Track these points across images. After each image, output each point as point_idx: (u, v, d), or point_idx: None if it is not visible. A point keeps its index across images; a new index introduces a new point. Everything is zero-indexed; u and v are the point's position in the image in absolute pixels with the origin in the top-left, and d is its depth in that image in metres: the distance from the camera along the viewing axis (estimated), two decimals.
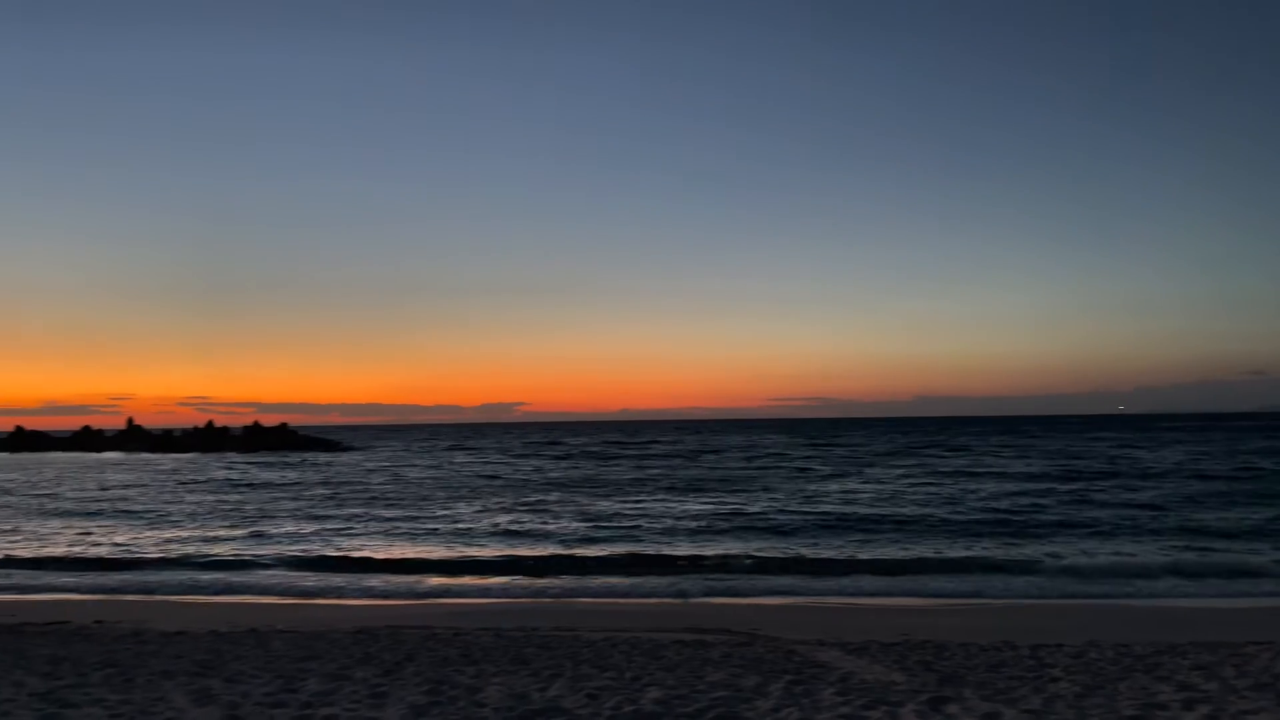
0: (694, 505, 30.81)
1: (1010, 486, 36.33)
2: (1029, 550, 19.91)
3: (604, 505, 31.47)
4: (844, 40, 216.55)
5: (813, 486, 37.99)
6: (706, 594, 16.10)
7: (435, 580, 17.80)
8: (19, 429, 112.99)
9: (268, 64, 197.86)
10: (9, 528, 27.64)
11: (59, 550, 22.62)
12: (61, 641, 11.07)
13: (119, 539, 24.63)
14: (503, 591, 16.70)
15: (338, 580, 17.91)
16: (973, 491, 34.35)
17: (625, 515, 27.95)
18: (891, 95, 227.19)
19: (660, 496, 34.64)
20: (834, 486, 37.91)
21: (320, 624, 12.88)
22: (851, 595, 15.82)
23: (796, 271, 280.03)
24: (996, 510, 27.86)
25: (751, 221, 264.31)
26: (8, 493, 42.23)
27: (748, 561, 18.87)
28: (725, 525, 25.00)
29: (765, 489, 37.25)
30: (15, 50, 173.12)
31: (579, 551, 20.93)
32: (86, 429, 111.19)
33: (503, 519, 27.68)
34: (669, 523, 25.89)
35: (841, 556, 19.53)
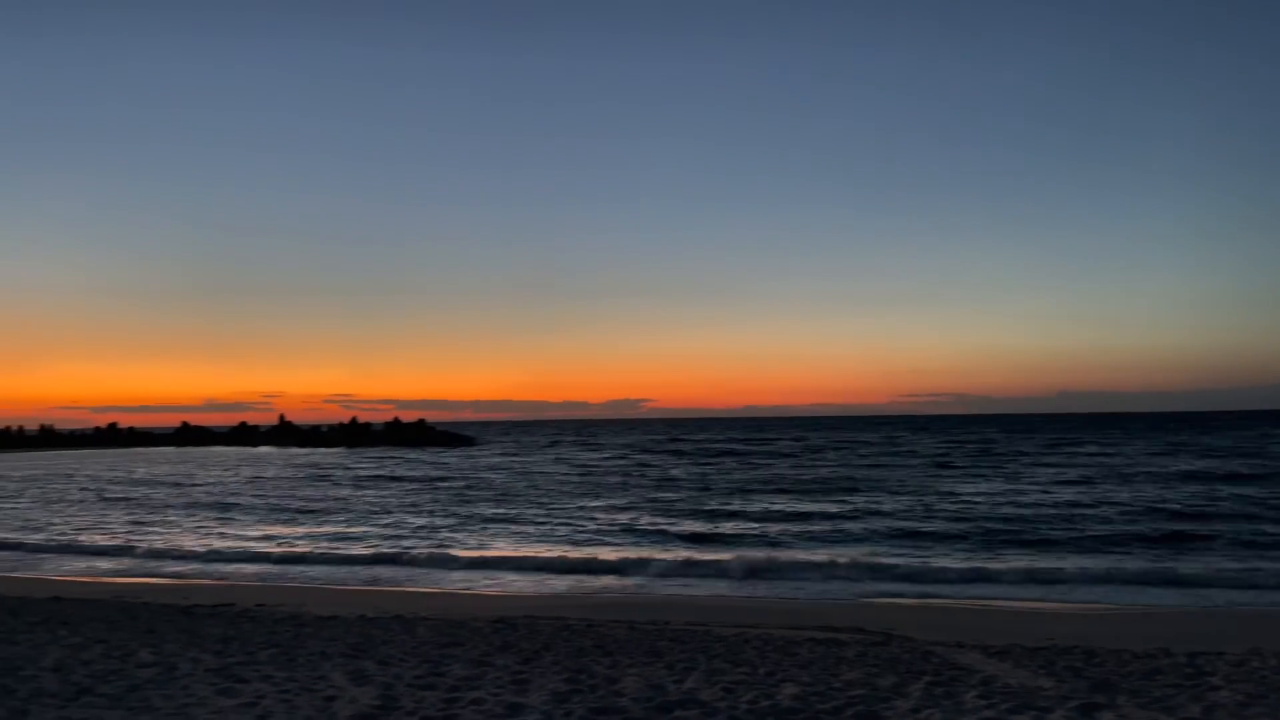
0: (822, 505, 30.40)
1: (1167, 490, 34.30)
2: (1189, 557, 18.79)
3: (727, 503, 31.42)
4: (975, 24, 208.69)
5: (946, 486, 36.86)
6: (836, 593, 15.89)
7: (565, 573, 18.19)
8: (185, 424, 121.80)
9: (424, 62, 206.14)
10: (162, 518, 29.80)
11: (224, 543, 24.21)
12: (229, 622, 11.88)
13: (273, 530, 26.19)
14: (629, 587, 16.92)
15: (475, 572, 18.55)
16: (1126, 492, 32.62)
17: (749, 514, 27.82)
18: (1023, 72, 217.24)
19: (786, 496, 34.30)
20: (970, 487, 36.68)
21: (460, 613, 13.37)
22: (990, 598, 15.30)
23: (924, 263, 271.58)
24: (1154, 511, 26.38)
25: (875, 213, 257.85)
26: (167, 484, 45.51)
27: (879, 562, 18.50)
28: (855, 527, 24.56)
29: (897, 488, 36.39)
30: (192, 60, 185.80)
31: (701, 555, 20.98)
32: (243, 425, 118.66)
33: (626, 516, 28.02)
34: (795, 524, 25.64)
35: (979, 559, 18.91)
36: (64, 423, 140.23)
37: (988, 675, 8.37)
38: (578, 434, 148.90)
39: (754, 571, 17.85)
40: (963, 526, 23.97)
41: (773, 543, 21.79)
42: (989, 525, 24.08)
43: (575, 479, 45.38)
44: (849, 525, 24.73)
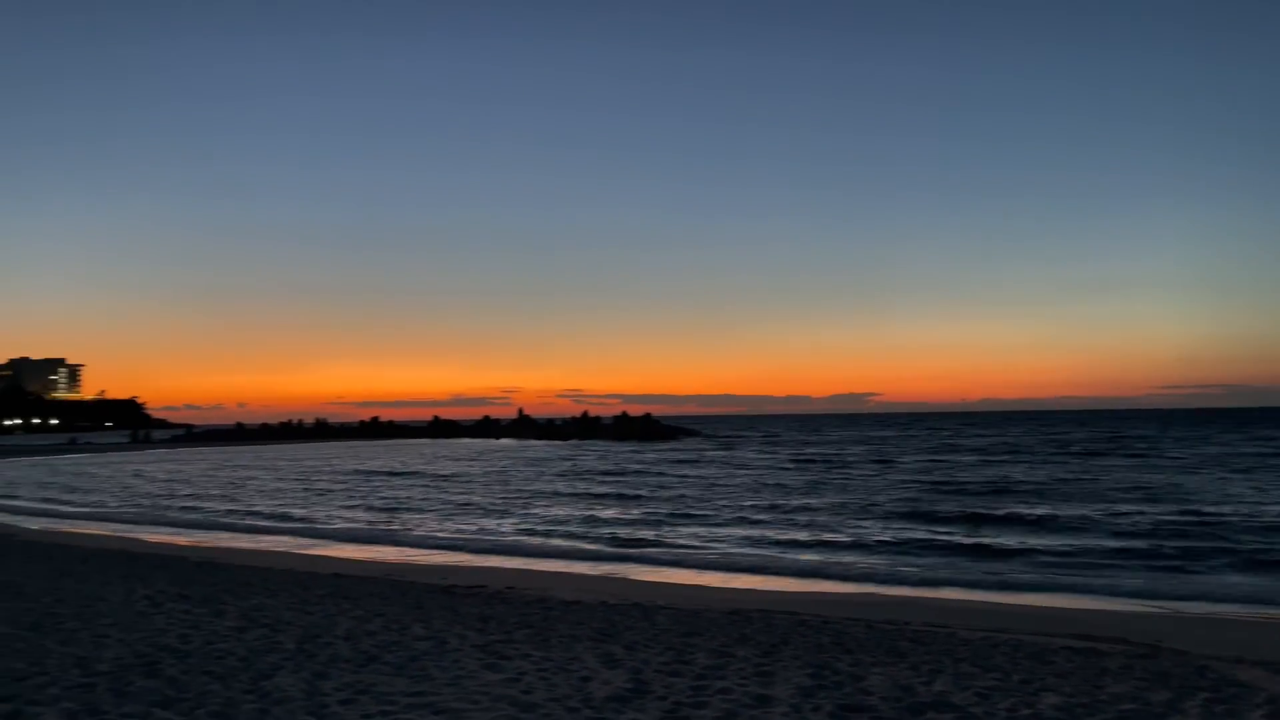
0: (1084, 511, 28.37)
1: None
2: None
3: (980, 501, 29.99)
4: None
5: (1235, 490, 33.32)
6: (1087, 601, 14.81)
7: (796, 574, 18.02)
8: (436, 418, 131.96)
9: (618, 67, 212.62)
10: (417, 503, 32.25)
11: (471, 528, 25.93)
12: (485, 602, 12.77)
13: (513, 518, 27.78)
14: (865, 581, 16.56)
15: (709, 572, 18.82)
16: None
17: (1013, 518, 26.37)
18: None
19: (1051, 499, 32.28)
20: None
21: (696, 603, 13.64)
22: (1270, 613, 13.72)
23: (1178, 244, 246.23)
24: None
25: (1116, 195, 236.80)
26: (423, 474, 49.25)
27: (1158, 566, 17.06)
28: (1140, 536, 22.73)
29: (1182, 486, 33.33)
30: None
31: (930, 569, 20.14)
32: (486, 418, 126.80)
33: (859, 515, 27.39)
34: (1065, 535, 24.08)
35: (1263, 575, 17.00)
36: (334, 417, 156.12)
37: (1273, 694, 7.55)
38: (802, 429, 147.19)
39: (990, 575, 16.98)
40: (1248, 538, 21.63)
41: (1021, 555, 20.62)
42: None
43: (808, 475, 44.96)
44: (1132, 531, 22.93)
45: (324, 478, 47.69)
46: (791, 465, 52.56)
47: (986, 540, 20.92)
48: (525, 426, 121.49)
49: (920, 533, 22.45)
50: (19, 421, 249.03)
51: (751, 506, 29.10)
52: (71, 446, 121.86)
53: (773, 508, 28.82)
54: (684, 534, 22.98)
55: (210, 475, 51.71)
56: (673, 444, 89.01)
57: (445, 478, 45.76)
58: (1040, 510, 26.51)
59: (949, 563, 18.26)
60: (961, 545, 20.29)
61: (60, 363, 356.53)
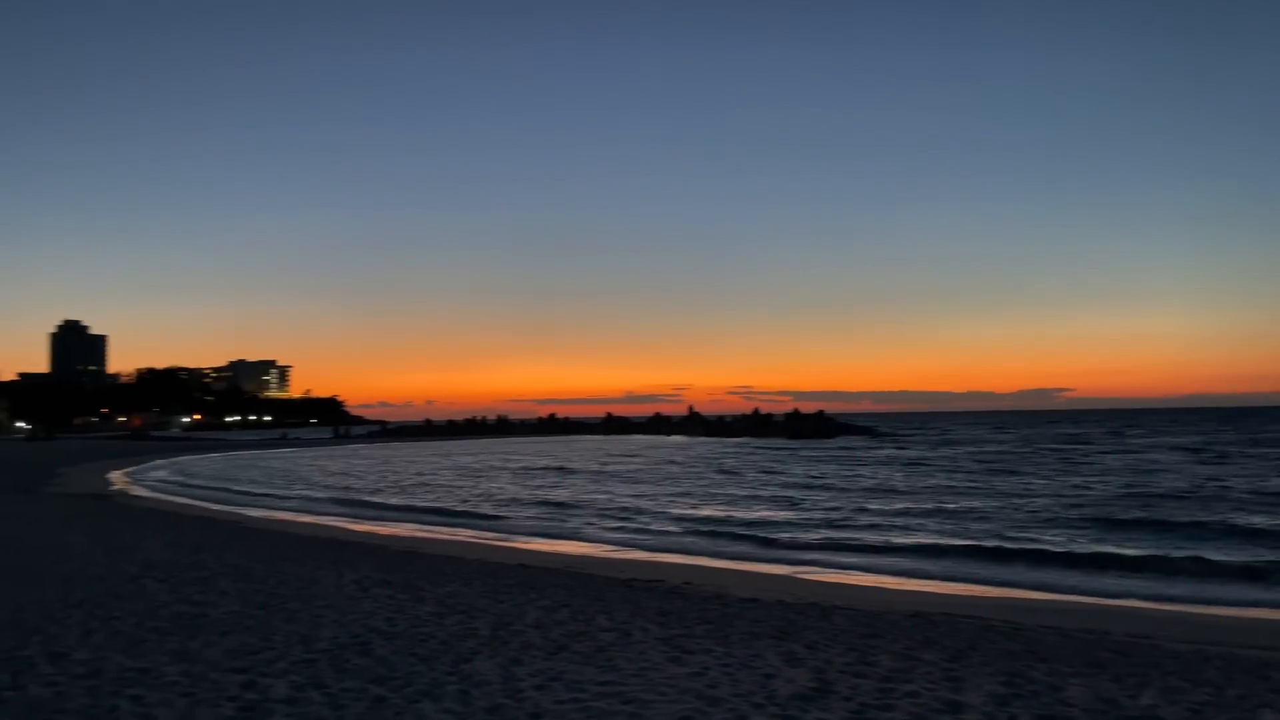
0: None
1: None
2: None
3: (1181, 509, 27.87)
4: None
5: None
6: None
7: (977, 575, 17.32)
8: (609, 415, 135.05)
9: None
10: (591, 496, 33.06)
11: (644, 522, 26.38)
12: (663, 597, 13.02)
13: (690, 512, 28.06)
14: (1054, 591, 15.72)
15: (885, 565, 18.41)
16: None
17: (1225, 528, 24.30)
18: None
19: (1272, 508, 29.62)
20: None
21: (874, 604, 13.38)
22: None
23: None
24: None
25: None
26: (602, 472, 50.42)
27: None
28: None
29: None
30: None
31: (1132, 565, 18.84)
32: (658, 415, 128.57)
33: (1044, 519, 25.99)
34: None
35: None
36: (514, 414, 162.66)
37: None
38: (988, 425, 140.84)
39: (1194, 591, 15.73)
40: None
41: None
42: None
43: (981, 477, 43.10)
44: None
45: (504, 472, 49.78)
46: (975, 465, 50.45)
47: (1186, 551, 19.38)
48: (695, 424, 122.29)
49: (1113, 541, 21.08)
50: (238, 418, 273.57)
51: (927, 509, 28.18)
52: (282, 441, 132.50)
53: (948, 510, 27.79)
54: (858, 534, 22.55)
55: (403, 468, 55.05)
56: (846, 442, 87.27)
57: (618, 474, 46.77)
58: (1258, 519, 24.29)
59: (1145, 574, 17.07)
60: (1165, 559, 18.88)
61: (272, 364, 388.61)
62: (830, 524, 24.66)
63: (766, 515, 26.94)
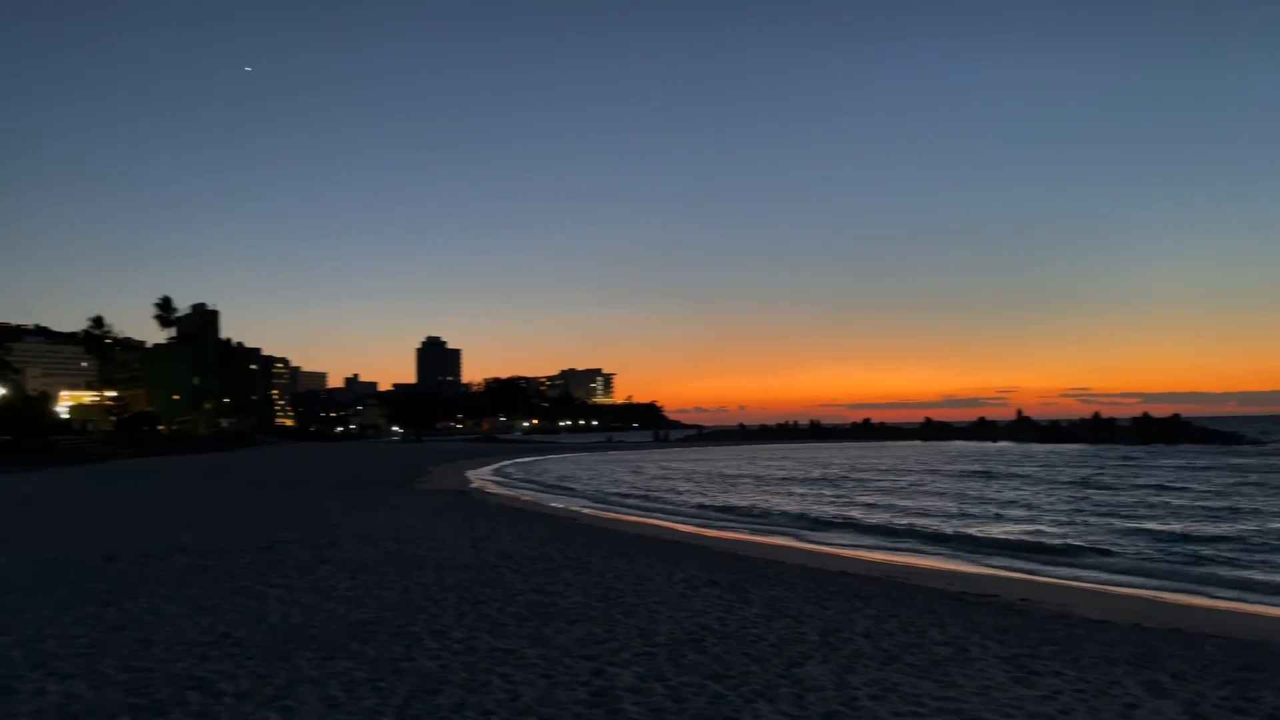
0: None
1: None
2: None
3: None
4: None
5: None
6: None
7: None
8: (927, 420, 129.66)
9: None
10: (919, 505, 31.76)
11: (978, 532, 25.06)
12: (999, 613, 12.29)
13: (1027, 524, 26.21)
14: None
15: (1268, 585, 16.06)
16: None
17: None
18: None
19: None
20: None
21: (1253, 634, 11.74)
22: None
23: None
24: None
25: None
26: (936, 475, 48.51)
27: None
28: None
29: None
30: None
31: None
32: (981, 420, 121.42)
33: None
34: None
35: None
36: (826, 419, 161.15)
37: None
38: None
39: None
40: None
41: None
42: None
43: None
44: None
45: (816, 475, 49.43)
46: None
47: None
48: (1025, 428, 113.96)
49: None
50: (568, 423, 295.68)
51: None
52: (608, 444, 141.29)
53: None
54: (1232, 554, 19.84)
55: (722, 471, 56.53)
56: (1207, 449, 77.04)
57: (942, 480, 44.74)
58: None
59: None
60: None
61: (597, 372, 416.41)
62: (1195, 538, 21.92)
63: (1126, 526, 24.50)
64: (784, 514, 30.28)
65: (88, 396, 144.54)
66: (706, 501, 35.44)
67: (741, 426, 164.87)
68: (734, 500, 35.85)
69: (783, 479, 48.88)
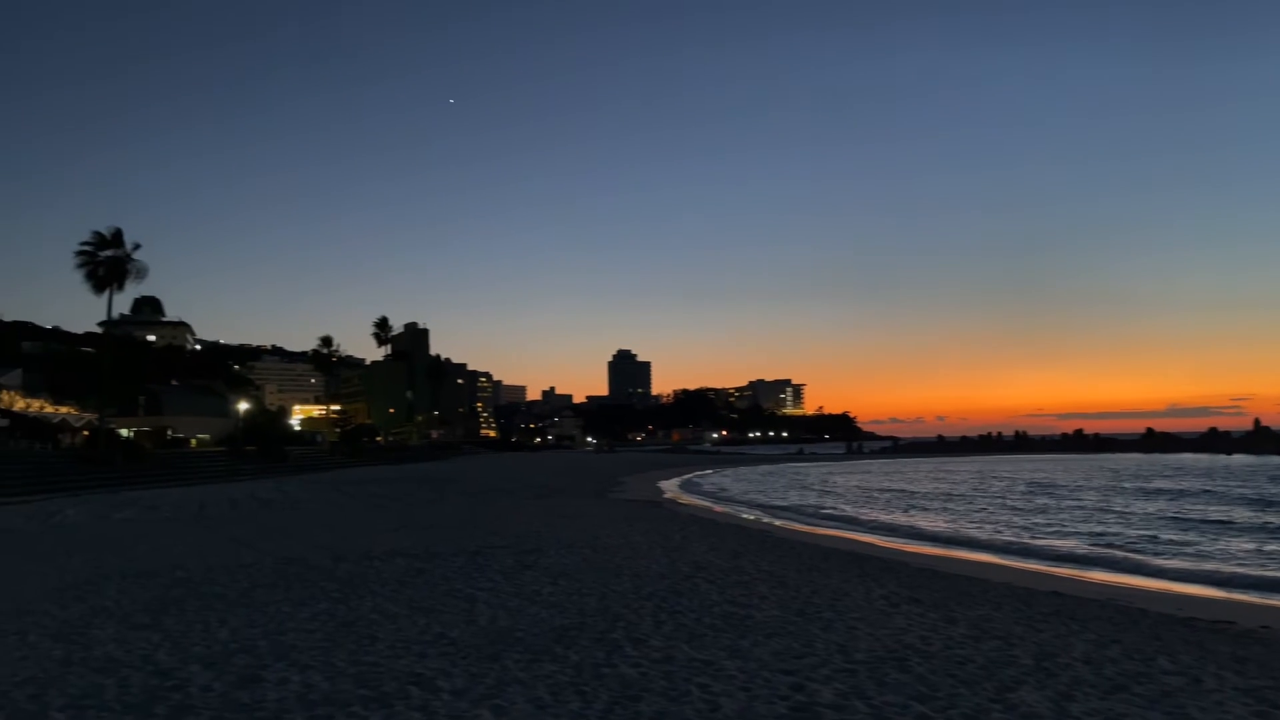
0: None
1: None
2: None
3: None
4: None
5: None
6: None
7: None
8: (1149, 431, 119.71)
9: None
10: (1140, 530, 29.30)
11: (1211, 560, 22.94)
12: (1235, 640, 11.19)
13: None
14: None
15: None
16: None
17: None
18: None
19: None
20: None
21: None
22: None
23: None
24: None
25: None
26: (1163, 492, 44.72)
27: None
28: None
29: None
30: None
31: None
32: (1213, 431, 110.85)
33: None
34: None
35: None
36: (1033, 429, 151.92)
37: None
38: None
39: None
40: None
41: None
42: None
43: None
44: None
45: (1023, 491, 46.66)
46: None
47: None
48: (1264, 439, 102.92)
49: None
50: (757, 434, 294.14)
51: None
52: (799, 456, 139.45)
53: None
54: None
55: (920, 484, 54.51)
56: None
57: (1177, 496, 41.17)
58: None
59: None
60: None
61: (786, 383, 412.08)
62: None
63: None
64: (987, 528, 28.80)
65: (316, 410, 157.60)
66: (901, 518, 34.29)
67: (940, 438, 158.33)
68: (930, 515, 34.50)
69: (982, 491, 46.47)
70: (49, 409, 72.93)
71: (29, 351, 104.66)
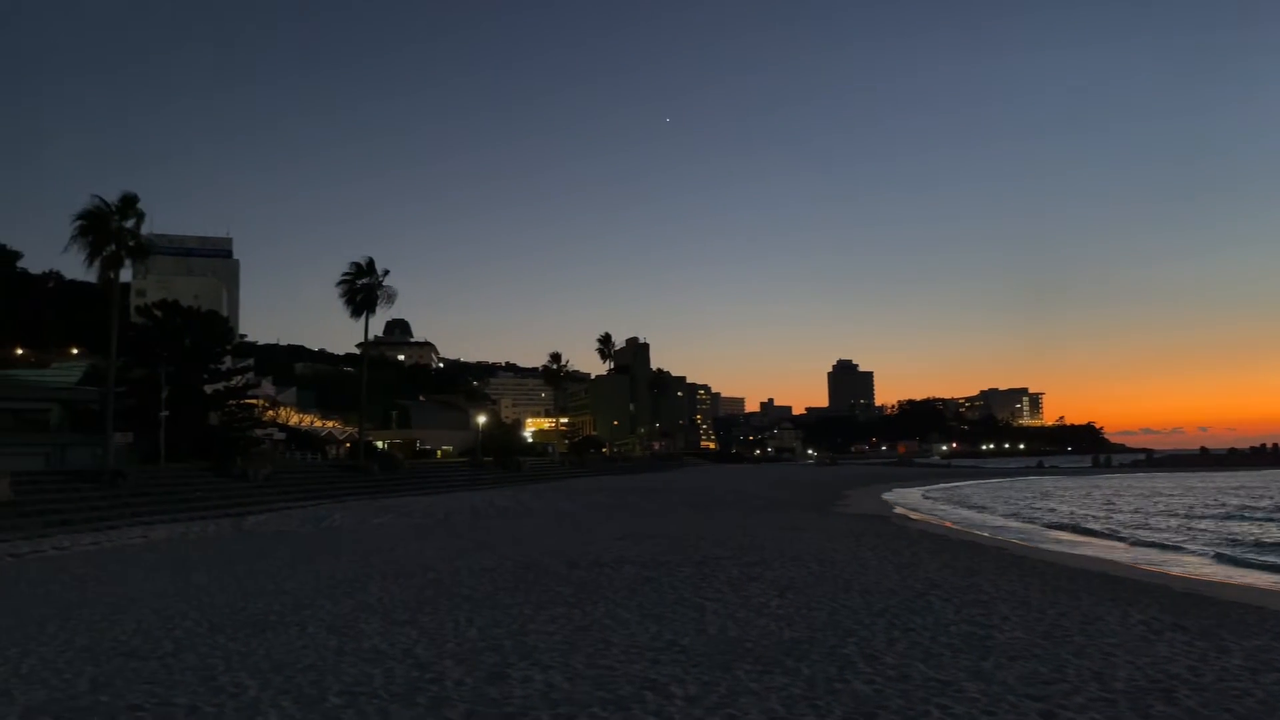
0: None
1: None
2: None
3: None
4: None
5: None
6: None
7: None
8: None
9: None
10: None
11: None
12: None
13: None
14: None
15: None
16: None
17: None
18: None
19: None
20: None
21: None
22: None
23: None
24: None
25: None
26: None
27: None
28: None
29: None
30: None
31: None
32: None
33: None
34: None
35: None
36: None
37: None
38: None
39: None
40: None
41: None
42: None
43: None
44: None
45: None
46: None
47: None
48: None
49: None
50: (990, 446, 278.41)
51: None
52: (1039, 469, 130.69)
53: None
54: None
55: (1180, 498, 49.50)
56: None
57: None
58: None
59: None
60: None
61: (1023, 392, 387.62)
62: None
63: None
64: (1266, 550, 25.71)
65: (547, 422, 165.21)
66: (1158, 535, 31.30)
67: (1203, 450, 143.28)
68: (1192, 534, 31.26)
69: (1253, 508, 41.43)
70: (318, 423, 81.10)
71: (301, 372, 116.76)
